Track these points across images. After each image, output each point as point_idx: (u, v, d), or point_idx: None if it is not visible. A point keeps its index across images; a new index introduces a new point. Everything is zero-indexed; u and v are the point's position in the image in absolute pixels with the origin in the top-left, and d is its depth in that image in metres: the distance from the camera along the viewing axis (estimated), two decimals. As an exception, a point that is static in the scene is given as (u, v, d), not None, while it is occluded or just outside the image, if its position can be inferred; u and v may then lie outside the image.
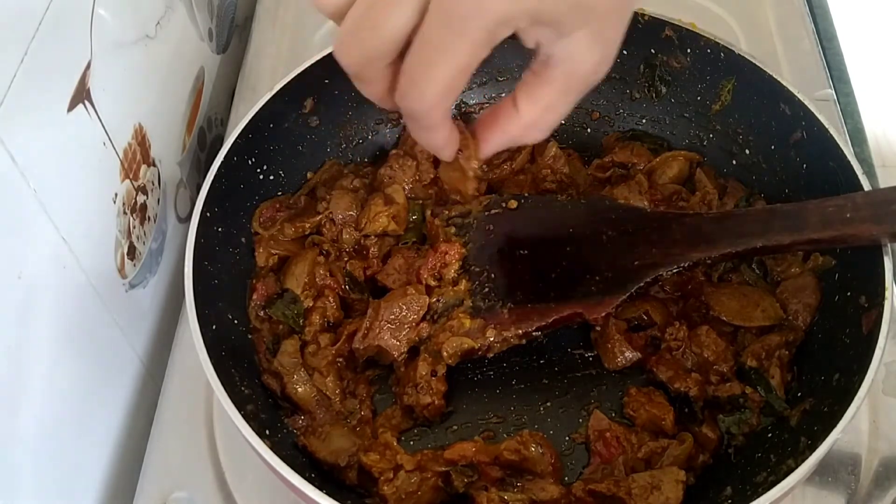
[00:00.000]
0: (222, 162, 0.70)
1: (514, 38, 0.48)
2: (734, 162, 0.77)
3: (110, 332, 0.73)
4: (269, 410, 0.67)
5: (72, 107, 0.66)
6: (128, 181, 0.75)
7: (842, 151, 0.66)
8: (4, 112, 0.56)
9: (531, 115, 0.52)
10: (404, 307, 0.67)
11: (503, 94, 0.84)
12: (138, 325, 0.79)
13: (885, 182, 0.71)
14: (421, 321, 0.68)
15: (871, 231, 0.59)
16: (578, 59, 0.49)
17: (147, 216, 0.79)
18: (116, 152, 0.73)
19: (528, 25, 0.46)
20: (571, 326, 0.67)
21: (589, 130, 0.85)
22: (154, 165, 0.81)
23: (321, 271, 0.73)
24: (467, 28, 0.45)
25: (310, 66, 0.75)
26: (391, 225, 0.75)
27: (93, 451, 0.72)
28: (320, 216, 0.76)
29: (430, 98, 0.47)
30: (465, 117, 0.84)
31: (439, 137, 0.53)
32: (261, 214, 0.75)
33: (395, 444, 0.64)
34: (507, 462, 0.63)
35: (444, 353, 0.66)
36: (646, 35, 0.78)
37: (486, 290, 0.68)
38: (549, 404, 0.69)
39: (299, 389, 0.67)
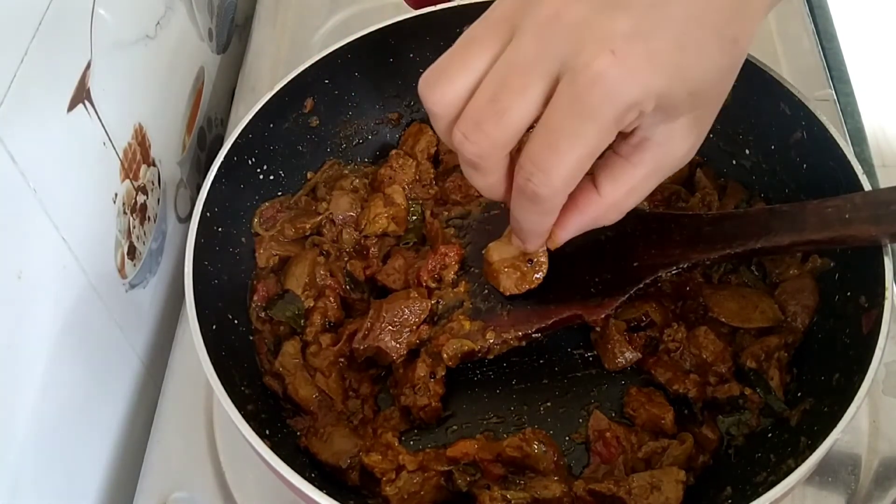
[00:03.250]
0: (222, 162, 0.70)
1: None
2: (734, 162, 0.77)
3: (110, 332, 0.73)
4: (269, 411, 0.67)
5: (72, 107, 0.66)
6: (128, 181, 0.75)
7: (842, 151, 0.66)
8: (4, 112, 0.56)
9: (614, 197, 0.51)
10: (406, 310, 0.67)
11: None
12: (138, 325, 0.79)
13: (885, 182, 0.71)
14: (422, 324, 0.68)
15: (870, 232, 0.59)
16: (676, 144, 0.49)
17: (147, 216, 0.79)
18: (116, 152, 0.73)
19: (651, 110, 0.45)
20: (571, 327, 0.67)
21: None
22: (154, 165, 0.81)
23: (321, 271, 0.73)
24: (598, 114, 0.44)
25: (310, 66, 0.75)
26: (391, 226, 0.75)
27: (92, 451, 0.72)
28: (320, 217, 0.76)
29: (557, 183, 0.47)
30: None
31: (550, 222, 0.52)
32: (261, 215, 0.75)
33: (396, 444, 0.64)
34: (510, 459, 0.63)
35: (445, 356, 0.65)
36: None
37: (486, 291, 0.68)
38: (549, 404, 0.68)
39: (301, 391, 0.67)
